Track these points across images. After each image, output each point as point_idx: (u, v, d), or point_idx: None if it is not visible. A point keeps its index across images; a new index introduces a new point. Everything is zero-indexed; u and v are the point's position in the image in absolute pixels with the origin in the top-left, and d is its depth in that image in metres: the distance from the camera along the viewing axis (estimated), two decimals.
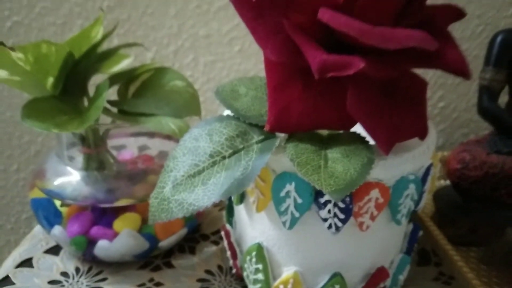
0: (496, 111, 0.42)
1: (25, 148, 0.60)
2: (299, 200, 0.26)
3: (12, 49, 0.29)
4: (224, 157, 0.26)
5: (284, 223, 0.27)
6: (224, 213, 0.35)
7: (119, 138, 0.43)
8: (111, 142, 0.41)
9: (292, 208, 0.27)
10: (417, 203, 0.29)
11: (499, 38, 0.42)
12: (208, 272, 0.36)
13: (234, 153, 0.26)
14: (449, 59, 0.22)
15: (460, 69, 0.22)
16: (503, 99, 0.42)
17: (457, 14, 0.26)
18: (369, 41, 0.20)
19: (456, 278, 0.35)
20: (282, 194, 0.26)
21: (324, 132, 0.28)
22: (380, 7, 0.22)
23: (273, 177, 0.27)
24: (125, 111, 0.34)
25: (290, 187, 0.26)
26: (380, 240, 0.29)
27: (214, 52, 0.53)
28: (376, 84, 0.24)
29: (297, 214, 0.27)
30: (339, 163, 0.24)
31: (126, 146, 0.43)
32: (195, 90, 0.37)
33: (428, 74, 0.56)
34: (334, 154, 0.25)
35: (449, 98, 0.57)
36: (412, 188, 0.27)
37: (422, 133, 0.26)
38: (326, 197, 0.26)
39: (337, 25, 0.20)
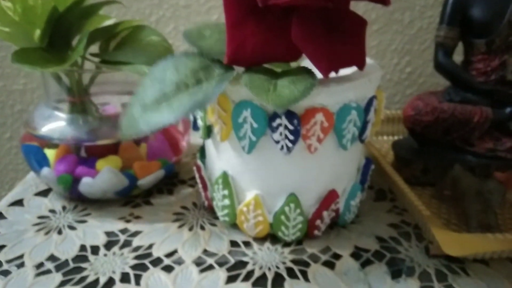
0: (450, 66, 0.46)
1: (17, 117, 0.64)
2: (255, 125, 0.30)
3: None
4: (188, 86, 0.29)
5: (243, 147, 0.31)
6: (197, 156, 0.39)
7: (104, 95, 0.46)
8: (96, 99, 0.44)
9: (249, 132, 0.30)
10: (361, 131, 0.32)
11: None
12: (184, 207, 0.39)
13: (197, 83, 0.29)
14: None
15: None
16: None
17: None
18: None
19: (408, 210, 0.38)
20: (240, 120, 0.30)
21: (279, 69, 0.31)
22: None
23: (232, 106, 0.30)
24: (106, 61, 0.38)
25: (247, 113, 0.30)
26: (330, 165, 0.33)
27: (193, 21, 0.57)
28: (319, 19, 0.28)
29: (254, 138, 0.30)
30: (286, 88, 0.28)
31: (110, 103, 0.46)
32: (170, 44, 0.40)
33: (395, 41, 0.59)
34: (283, 82, 0.29)
35: (416, 64, 0.61)
36: (354, 115, 0.31)
37: (360, 64, 0.30)
38: (277, 121, 0.29)
39: None
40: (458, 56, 0.46)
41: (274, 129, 0.30)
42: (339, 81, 0.30)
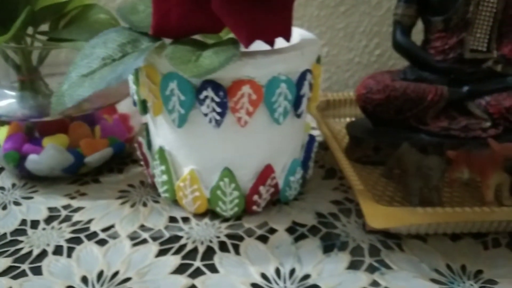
0: (407, 44, 0.46)
1: None
2: (182, 97, 0.30)
3: None
4: (114, 60, 0.29)
5: (173, 121, 0.31)
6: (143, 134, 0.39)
7: (58, 77, 0.46)
8: (52, 80, 0.44)
9: (177, 105, 0.30)
10: (295, 105, 0.32)
11: None
12: (130, 185, 0.40)
13: (123, 56, 0.29)
14: None
15: None
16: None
17: None
18: None
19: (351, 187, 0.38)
20: (168, 92, 0.30)
21: (211, 41, 0.31)
22: None
23: (161, 79, 0.30)
24: (54, 39, 0.38)
25: (173, 85, 0.30)
26: (264, 139, 0.33)
27: None
28: None
29: (182, 111, 0.30)
30: (208, 58, 0.28)
31: None
32: (118, 22, 0.40)
33: (363, 22, 0.59)
34: (207, 53, 0.29)
35: (385, 46, 0.60)
36: (284, 88, 0.31)
37: (285, 35, 0.30)
38: (204, 93, 0.29)
39: None
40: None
41: (201, 102, 0.30)
42: (268, 53, 0.30)
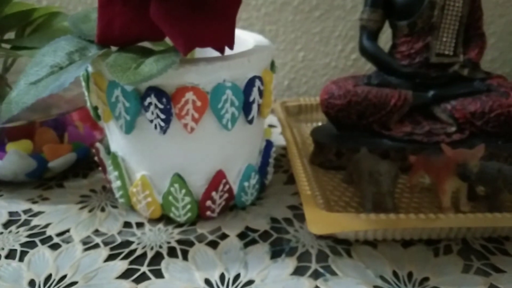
0: (372, 49, 0.46)
1: None
2: (127, 104, 0.30)
3: None
4: (61, 68, 0.30)
5: (121, 127, 0.32)
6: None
7: None
8: None
9: (123, 112, 0.31)
10: (245, 112, 0.32)
11: None
12: (92, 190, 0.40)
13: (69, 64, 0.30)
14: None
15: None
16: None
17: None
18: None
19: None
20: (113, 99, 0.31)
21: (159, 48, 0.32)
22: None
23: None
24: (17, 47, 0.39)
25: (118, 92, 0.30)
26: (214, 145, 0.33)
27: None
28: None
29: (128, 118, 0.31)
30: (148, 66, 0.28)
31: None
32: None
33: (338, 27, 0.59)
34: (149, 60, 0.29)
35: None
36: (230, 94, 0.31)
37: (229, 43, 0.30)
38: (148, 100, 0.30)
39: None
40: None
41: (146, 109, 0.30)
42: (211, 60, 0.30)
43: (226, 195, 0.35)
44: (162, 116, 0.30)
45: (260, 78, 0.33)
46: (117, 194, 0.36)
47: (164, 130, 0.31)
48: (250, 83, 0.32)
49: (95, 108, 0.34)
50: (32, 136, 0.41)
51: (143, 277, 0.30)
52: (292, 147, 0.40)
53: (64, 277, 0.30)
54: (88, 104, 0.35)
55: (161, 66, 0.28)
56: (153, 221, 0.36)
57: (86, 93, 0.34)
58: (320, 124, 0.53)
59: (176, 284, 0.29)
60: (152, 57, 0.29)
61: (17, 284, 0.29)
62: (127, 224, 0.35)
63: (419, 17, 0.44)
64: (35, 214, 0.37)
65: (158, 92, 0.30)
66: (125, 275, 0.30)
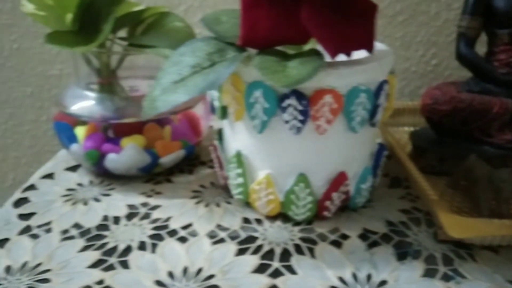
0: (472, 56, 0.46)
1: (53, 100, 0.67)
2: (266, 105, 0.31)
3: None
4: (203, 68, 0.31)
5: (255, 127, 0.33)
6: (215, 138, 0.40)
7: (132, 80, 0.49)
8: (126, 83, 0.47)
9: (260, 112, 0.32)
10: (372, 115, 0.33)
11: None
12: (202, 186, 0.41)
13: (211, 65, 0.31)
14: None
15: None
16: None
17: None
18: None
19: (420, 197, 0.39)
20: (252, 100, 0.32)
21: (291, 52, 0.33)
22: None
23: (245, 87, 0.32)
24: (133, 45, 0.40)
25: (258, 93, 0.31)
26: (339, 147, 0.34)
27: None
28: (328, 3, 0.29)
29: (265, 118, 0.32)
30: (295, 69, 0.29)
31: (138, 86, 0.49)
32: (192, 30, 0.42)
33: (420, 32, 0.59)
34: (292, 63, 0.30)
35: (442, 56, 0.60)
36: (363, 98, 0.32)
37: (368, 47, 0.31)
38: (287, 101, 0.31)
39: None
40: (482, 48, 0.46)
41: (284, 110, 0.31)
42: (349, 64, 0.31)
43: (343, 196, 0.36)
44: (300, 118, 0.31)
45: (387, 82, 0.33)
46: (235, 191, 0.37)
47: (299, 131, 0.32)
48: (380, 87, 0.33)
49: (223, 108, 0.35)
50: (139, 131, 0.42)
51: (277, 273, 0.31)
52: (400, 151, 0.41)
53: (200, 270, 0.31)
54: (216, 103, 0.36)
55: (310, 69, 0.29)
56: (270, 218, 0.36)
57: (215, 93, 0.35)
58: (405, 128, 0.53)
59: (310, 281, 0.30)
60: (295, 60, 0.30)
61: (156, 275, 0.30)
62: (246, 220, 0.36)
63: None
64: (153, 208, 0.38)
65: (299, 94, 0.30)
66: (259, 269, 0.31)
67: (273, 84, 0.30)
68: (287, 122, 0.32)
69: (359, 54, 0.33)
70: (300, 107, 0.31)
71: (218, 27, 0.33)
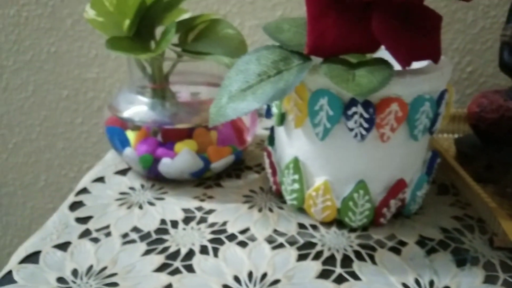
0: None
1: (89, 103, 0.68)
2: (331, 112, 0.32)
3: None
4: (269, 76, 0.31)
5: (317, 134, 0.33)
6: (265, 143, 0.41)
7: (175, 85, 0.49)
8: (176, 88, 0.47)
9: (324, 120, 0.32)
10: (432, 123, 0.34)
11: None
12: (252, 191, 0.42)
13: (277, 73, 0.31)
14: None
15: None
16: None
17: None
18: None
19: (472, 204, 0.39)
20: (316, 107, 0.32)
21: (354, 60, 0.33)
22: None
23: (309, 95, 0.32)
24: (186, 51, 0.41)
25: (323, 101, 0.32)
26: (399, 154, 0.34)
27: (259, 16, 0.59)
28: (397, 13, 0.30)
29: (328, 125, 0.32)
30: (364, 77, 0.30)
31: (180, 92, 0.49)
32: (243, 37, 0.43)
33: (457, 40, 0.60)
34: (360, 72, 0.30)
35: (477, 63, 0.61)
36: (427, 106, 0.32)
37: (435, 57, 0.31)
38: (353, 109, 0.31)
39: None
40: None
41: (349, 117, 0.32)
42: (414, 73, 0.32)
43: (399, 203, 0.36)
44: (366, 125, 0.31)
45: (447, 91, 0.34)
46: (289, 196, 0.38)
47: (363, 138, 0.32)
48: (441, 95, 0.33)
49: (283, 115, 0.36)
50: (188, 136, 0.43)
51: (341, 278, 0.31)
52: (449, 158, 0.41)
53: (265, 274, 0.31)
54: (275, 110, 0.36)
55: (380, 78, 0.29)
56: (325, 224, 0.37)
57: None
58: (445, 135, 0.53)
59: (375, 287, 0.30)
60: (362, 68, 0.31)
61: (222, 279, 0.31)
62: (301, 226, 0.37)
63: None
64: (208, 212, 0.38)
65: (365, 102, 0.31)
66: (322, 275, 0.31)
67: (340, 92, 0.31)
68: (351, 129, 0.32)
69: (420, 63, 0.33)
70: (366, 115, 0.31)
71: (281, 36, 0.34)
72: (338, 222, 0.37)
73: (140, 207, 0.39)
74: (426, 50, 0.31)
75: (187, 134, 0.43)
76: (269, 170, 0.40)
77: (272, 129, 0.41)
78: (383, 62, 0.31)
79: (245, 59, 0.33)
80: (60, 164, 0.73)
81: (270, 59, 0.32)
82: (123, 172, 0.45)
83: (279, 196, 0.40)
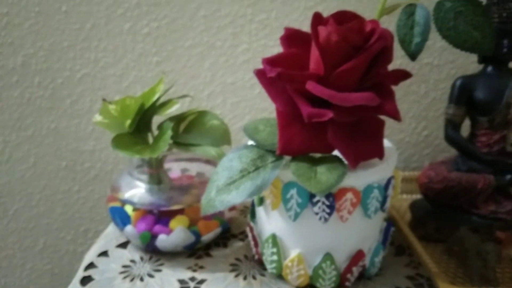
0: (458, 139, 0.55)
1: (86, 172, 0.75)
2: (299, 200, 0.39)
3: (110, 103, 0.43)
4: (249, 172, 0.39)
5: (290, 216, 0.40)
6: (248, 217, 0.48)
7: (167, 163, 0.57)
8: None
9: (295, 205, 0.40)
10: (382, 203, 0.41)
11: (458, 82, 0.54)
12: (237, 259, 0.49)
13: (256, 169, 0.39)
14: (387, 110, 0.35)
15: (393, 116, 0.36)
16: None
17: (405, 75, 0.39)
18: (335, 102, 0.33)
19: (421, 263, 0.47)
20: (288, 196, 0.40)
21: (317, 155, 0.41)
22: (346, 77, 0.36)
23: (282, 185, 0.40)
24: (178, 142, 0.48)
25: (293, 191, 0.39)
26: (358, 230, 0.41)
27: (239, 94, 0.67)
28: (347, 124, 0.38)
29: (298, 210, 0.40)
30: (324, 175, 0.37)
31: (172, 169, 0.56)
32: (227, 126, 0.50)
33: (412, 108, 0.69)
34: (321, 169, 0.38)
35: (432, 128, 0.69)
36: (376, 193, 0.40)
37: (380, 155, 0.39)
38: (317, 198, 0.39)
39: (316, 92, 0.34)
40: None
41: (314, 204, 0.39)
42: (364, 167, 0.39)
43: (361, 268, 0.43)
44: (328, 210, 0.39)
45: (393, 177, 0.42)
46: (270, 266, 0.44)
47: (326, 220, 0.39)
48: (388, 182, 0.41)
49: (261, 198, 0.43)
50: (182, 212, 0.49)
51: None
52: (402, 225, 0.49)
53: None
54: None
55: (336, 176, 0.37)
56: None
57: None
58: (404, 195, 0.61)
59: None
60: (323, 165, 0.38)
61: None
62: None
63: (497, 114, 0.53)
64: (200, 282, 0.45)
65: (327, 193, 0.38)
66: None
67: None
68: (316, 213, 0.39)
69: None
70: (327, 203, 0.39)
71: (257, 136, 0.42)
72: (311, 286, 0.44)
73: (141, 279, 0.46)
74: (371, 151, 0.39)
75: (180, 209, 0.50)
76: (252, 242, 0.47)
77: (253, 204, 0.48)
78: (338, 160, 0.39)
79: (230, 157, 0.40)
80: (58, 228, 0.78)
81: (249, 157, 0.40)
82: (123, 245, 0.52)
83: (261, 264, 0.47)
